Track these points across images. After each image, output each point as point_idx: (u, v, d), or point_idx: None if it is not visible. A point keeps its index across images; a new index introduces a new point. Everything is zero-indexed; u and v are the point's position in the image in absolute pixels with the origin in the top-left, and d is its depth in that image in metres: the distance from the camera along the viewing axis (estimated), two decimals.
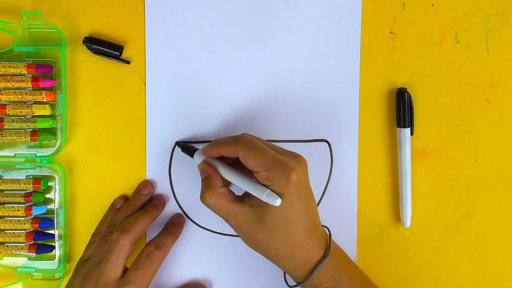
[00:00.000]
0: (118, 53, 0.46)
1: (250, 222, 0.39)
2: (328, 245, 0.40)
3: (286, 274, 0.43)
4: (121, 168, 0.47)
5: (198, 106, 0.47)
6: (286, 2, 0.46)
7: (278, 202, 0.37)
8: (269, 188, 0.37)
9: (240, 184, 0.39)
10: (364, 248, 0.47)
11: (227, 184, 0.41)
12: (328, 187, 0.47)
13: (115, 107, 0.47)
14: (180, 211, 0.47)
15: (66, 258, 0.48)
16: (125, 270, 0.42)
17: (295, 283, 0.42)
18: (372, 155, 0.47)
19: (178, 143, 0.46)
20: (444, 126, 0.47)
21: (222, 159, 0.41)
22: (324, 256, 0.40)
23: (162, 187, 0.47)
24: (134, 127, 0.47)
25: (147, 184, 0.47)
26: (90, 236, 0.45)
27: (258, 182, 0.38)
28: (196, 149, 0.43)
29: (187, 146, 0.45)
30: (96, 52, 0.46)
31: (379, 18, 0.47)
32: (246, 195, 0.41)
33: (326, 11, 0.46)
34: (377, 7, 0.46)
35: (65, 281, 0.45)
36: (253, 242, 0.40)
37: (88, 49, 0.46)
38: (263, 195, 0.37)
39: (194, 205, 0.47)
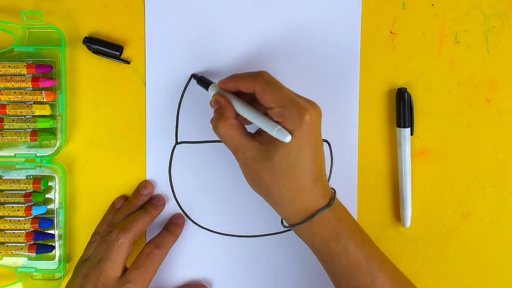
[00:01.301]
0: (118, 53, 0.46)
1: (257, 158, 0.38)
2: (333, 198, 0.40)
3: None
4: (121, 168, 0.47)
5: (198, 106, 0.47)
6: (286, 2, 0.46)
7: (288, 138, 0.36)
8: (280, 125, 0.37)
9: (252, 118, 0.39)
10: None
11: (239, 119, 0.41)
12: None
13: (115, 107, 0.47)
14: (180, 211, 0.47)
15: (66, 258, 0.48)
16: (125, 269, 0.42)
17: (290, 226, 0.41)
18: (372, 155, 0.47)
19: (194, 75, 0.46)
20: (444, 126, 0.47)
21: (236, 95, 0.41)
22: (327, 205, 0.39)
23: (162, 187, 0.47)
24: (134, 127, 0.47)
25: (147, 184, 0.47)
26: (90, 236, 0.45)
27: (271, 118, 0.38)
28: (212, 82, 0.43)
29: (203, 79, 0.44)
30: (96, 52, 0.46)
31: (379, 18, 0.47)
32: (258, 132, 0.41)
33: (326, 11, 0.46)
34: (377, 7, 0.46)
35: (65, 281, 0.45)
36: (256, 180, 0.40)
37: (88, 49, 0.46)
38: (274, 131, 0.37)
39: (194, 205, 0.47)
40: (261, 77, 0.39)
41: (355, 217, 0.47)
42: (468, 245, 0.47)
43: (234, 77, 0.41)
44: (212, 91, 0.42)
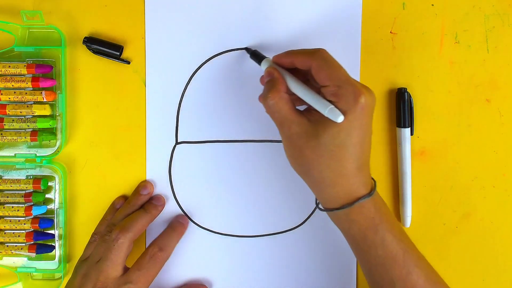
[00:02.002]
0: (118, 53, 0.46)
1: (303, 135, 0.37)
2: (373, 187, 0.39)
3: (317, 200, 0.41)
4: (121, 168, 0.47)
5: (198, 106, 0.47)
6: (286, 2, 0.46)
7: (340, 118, 0.35)
8: (334, 104, 0.36)
9: (304, 96, 0.38)
10: None
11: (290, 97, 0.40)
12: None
13: (115, 107, 0.47)
14: (180, 211, 0.47)
15: (66, 258, 0.48)
16: (125, 269, 0.42)
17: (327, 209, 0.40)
18: (372, 155, 0.47)
19: (247, 49, 0.45)
20: (444, 126, 0.47)
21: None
22: (368, 194, 0.38)
23: (162, 187, 0.47)
24: (134, 127, 0.47)
25: (146, 184, 0.47)
26: (90, 236, 0.45)
27: (323, 97, 0.37)
28: (265, 57, 0.43)
29: (256, 53, 0.44)
30: (96, 52, 0.46)
31: (379, 18, 0.47)
32: (306, 110, 0.39)
33: (326, 11, 0.46)
34: (377, 7, 0.46)
35: (65, 281, 0.45)
36: (298, 157, 0.38)
37: (88, 49, 0.46)
38: (326, 109, 0.36)
39: (194, 205, 0.47)
40: (320, 53, 0.38)
41: None
42: (468, 245, 0.47)
43: (290, 52, 0.40)
44: (265, 65, 0.42)
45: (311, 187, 0.40)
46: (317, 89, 0.38)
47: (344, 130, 0.36)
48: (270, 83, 0.39)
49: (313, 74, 0.38)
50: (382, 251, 0.38)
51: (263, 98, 0.39)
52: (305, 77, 0.40)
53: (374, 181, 0.40)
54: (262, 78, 0.42)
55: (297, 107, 0.39)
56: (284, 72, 0.40)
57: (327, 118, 0.36)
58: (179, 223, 0.46)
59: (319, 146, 0.37)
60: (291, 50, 0.40)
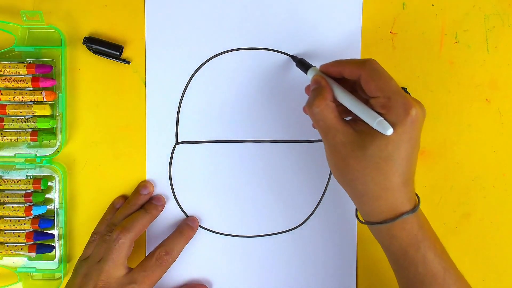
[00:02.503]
0: (118, 53, 0.46)
1: (348, 145, 0.36)
2: (417, 203, 0.38)
3: (358, 211, 0.40)
4: (121, 168, 0.47)
5: (198, 106, 0.47)
6: (286, 2, 0.46)
7: (389, 131, 0.34)
8: (383, 117, 0.35)
9: (352, 106, 0.37)
10: (364, 248, 0.47)
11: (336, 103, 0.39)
12: (328, 187, 0.47)
13: (115, 107, 0.47)
14: (180, 211, 0.47)
15: (66, 258, 0.48)
16: (127, 269, 0.42)
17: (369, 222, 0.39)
18: None
19: (293, 57, 0.45)
20: (444, 126, 0.47)
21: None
22: (412, 210, 0.37)
23: (162, 187, 0.47)
24: (134, 127, 0.47)
25: (146, 183, 0.47)
26: (90, 235, 0.45)
27: (372, 108, 0.36)
28: (312, 66, 0.42)
29: (303, 61, 0.44)
30: (96, 52, 0.46)
31: (379, 18, 0.47)
32: (353, 120, 0.38)
33: (326, 11, 0.46)
34: (377, 7, 0.46)
35: (65, 281, 0.45)
36: (342, 167, 0.37)
37: (88, 49, 0.46)
38: (375, 121, 0.35)
39: (194, 205, 0.47)
40: (370, 63, 0.37)
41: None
42: (468, 245, 0.47)
43: (338, 62, 0.39)
44: (311, 74, 0.41)
45: (353, 199, 0.39)
46: (365, 100, 0.37)
47: (392, 143, 0.35)
48: (316, 91, 0.39)
49: (362, 85, 0.37)
50: (422, 269, 0.37)
51: (308, 105, 0.38)
52: (352, 88, 0.39)
53: (418, 197, 0.39)
54: (307, 87, 0.42)
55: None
56: (331, 81, 0.39)
57: (374, 129, 0.35)
58: (188, 226, 0.46)
59: (364, 157, 0.36)
60: (339, 59, 0.39)
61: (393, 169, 0.36)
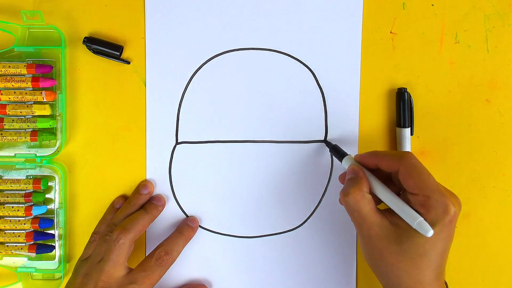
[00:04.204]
0: (118, 53, 0.46)
1: (384, 238, 0.36)
2: None
3: None
4: (121, 168, 0.47)
5: (198, 106, 0.47)
6: (286, 2, 0.46)
7: (430, 233, 0.34)
8: (422, 216, 0.35)
9: (391, 203, 0.37)
10: None
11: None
12: (328, 187, 0.47)
13: (115, 107, 0.47)
14: (180, 211, 0.47)
15: (66, 258, 0.48)
16: (127, 269, 0.42)
17: None
18: None
19: (327, 143, 0.46)
20: (444, 126, 0.47)
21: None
22: None
23: (162, 187, 0.47)
24: (134, 127, 0.47)
25: (147, 183, 0.47)
26: (90, 235, 0.45)
27: (409, 204, 0.36)
28: (346, 154, 0.42)
29: (337, 148, 0.44)
30: (96, 52, 0.46)
31: (379, 18, 0.47)
32: (388, 211, 0.38)
33: (326, 11, 0.46)
34: (377, 7, 0.46)
35: (65, 281, 0.45)
36: (377, 259, 0.37)
37: (88, 49, 0.46)
38: (415, 222, 0.35)
39: (194, 205, 0.47)
40: (408, 158, 0.37)
41: None
42: (468, 245, 0.47)
43: (375, 154, 0.39)
44: (346, 162, 0.41)
45: (384, 287, 0.39)
46: (398, 190, 0.38)
47: (430, 241, 0.35)
48: (353, 180, 0.38)
49: (401, 180, 0.37)
50: None
51: (343, 195, 0.38)
52: (386, 177, 0.39)
53: (447, 286, 0.39)
54: (341, 176, 0.42)
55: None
56: (368, 173, 0.39)
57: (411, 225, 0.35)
58: (188, 227, 0.46)
59: (400, 252, 0.36)
60: (376, 151, 0.39)
61: (428, 264, 0.36)
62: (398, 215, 0.36)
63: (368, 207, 0.37)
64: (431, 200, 0.35)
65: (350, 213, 0.38)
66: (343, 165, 0.42)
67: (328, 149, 0.45)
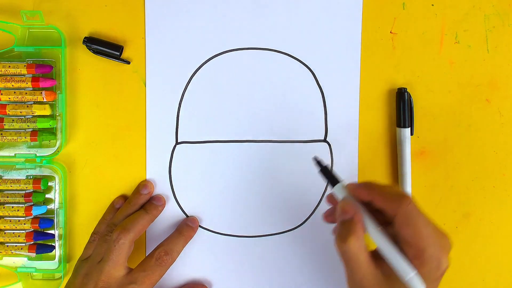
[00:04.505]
0: (118, 53, 0.46)
1: (376, 286, 0.35)
2: None
3: None
4: (121, 168, 0.47)
5: (198, 106, 0.47)
6: (286, 2, 0.46)
7: None
8: (416, 269, 0.34)
9: (385, 253, 0.35)
10: None
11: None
12: (328, 187, 0.47)
13: (115, 107, 0.47)
14: (180, 211, 0.47)
15: (66, 258, 0.48)
16: (127, 269, 0.42)
17: None
18: (372, 155, 0.47)
19: (318, 163, 0.39)
20: (444, 126, 0.47)
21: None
22: None
23: (162, 187, 0.47)
24: (134, 127, 0.47)
25: (147, 183, 0.47)
26: (90, 235, 0.45)
27: (402, 251, 0.35)
28: (339, 180, 0.38)
29: (329, 172, 0.38)
30: (96, 52, 0.46)
31: (379, 18, 0.47)
32: (379, 257, 0.36)
33: (326, 11, 0.46)
34: (377, 7, 0.46)
35: (65, 281, 0.45)
36: None
37: (88, 49, 0.46)
38: (407, 276, 0.34)
39: (194, 205, 0.47)
40: (406, 205, 0.34)
41: None
42: (468, 245, 0.47)
43: (371, 188, 0.36)
44: (339, 192, 0.38)
45: None
46: (393, 229, 0.36)
47: None
48: (348, 226, 0.36)
49: (396, 226, 0.35)
50: None
51: (340, 241, 0.35)
52: (377, 210, 0.37)
53: None
54: (326, 214, 0.40)
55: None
56: (364, 212, 0.36)
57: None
58: (188, 226, 0.46)
59: None
60: (371, 184, 0.37)
61: None
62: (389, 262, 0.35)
63: (364, 255, 0.35)
64: (425, 254, 0.34)
65: (345, 259, 0.36)
66: (334, 193, 0.38)
67: (318, 169, 0.39)
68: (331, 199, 0.40)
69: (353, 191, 0.37)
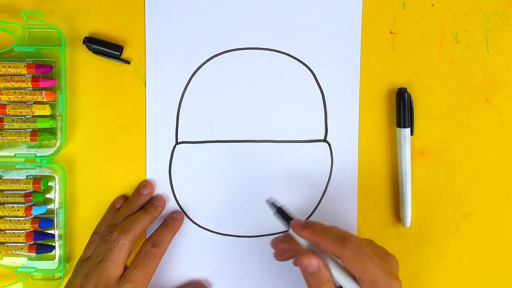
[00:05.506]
0: (118, 53, 0.46)
1: None
2: None
3: None
4: (121, 168, 0.47)
5: (198, 106, 0.47)
6: (286, 2, 0.46)
7: None
8: None
9: None
10: None
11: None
12: (328, 187, 0.47)
13: (115, 107, 0.47)
14: (180, 211, 0.47)
15: (66, 258, 0.48)
16: (126, 269, 0.42)
17: None
18: (372, 155, 0.47)
19: (271, 203, 0.41)
20: (444, 126, 0.47)
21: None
22: None
23: (162, 187, 0.47)
24: (134, 127, 0.47)
25: (147, 183, 0.47)
26: (90, 235, 0.45)
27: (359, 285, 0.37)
28: (292, 219, 0.39)
29: (283, 211, 0.40)
30: (96, 52, 0.46)
31: (379, 18, 0.47)
32: None
33: (326, 11, 0.46)
34: (377, 7, 0.46)
35: (65, 281, 0.45)
36: None
37: (88, 49, 0.46)
38: None
39: (194, 205, 0.47)
40: (350, 247, 0.36)
41: (355, 217, 0.47)
42: (468, 245, 0.47)
43: (315, 232, 0.38)
44: (294, 233, 0.39)
45: None
46: None
47: None
48: (318, 277, 0.37)
49: (345, 265, 0.37)
50: None
51: None
52: None
53: None
54: (285, 237, 0.41)
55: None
56: (327, 257, 0.38)
57: None
58: (173, 219, 0.46)
59: None
60: (315, 226, 0.38)
61: None
62: None
63: None
64: (378, 285, 0.36)
65: None
66: (291, 231, 0.39)
67: (274, 211, 0.40)
68: (277, 243, 0.41)
69: (298, 232, 0.38)
